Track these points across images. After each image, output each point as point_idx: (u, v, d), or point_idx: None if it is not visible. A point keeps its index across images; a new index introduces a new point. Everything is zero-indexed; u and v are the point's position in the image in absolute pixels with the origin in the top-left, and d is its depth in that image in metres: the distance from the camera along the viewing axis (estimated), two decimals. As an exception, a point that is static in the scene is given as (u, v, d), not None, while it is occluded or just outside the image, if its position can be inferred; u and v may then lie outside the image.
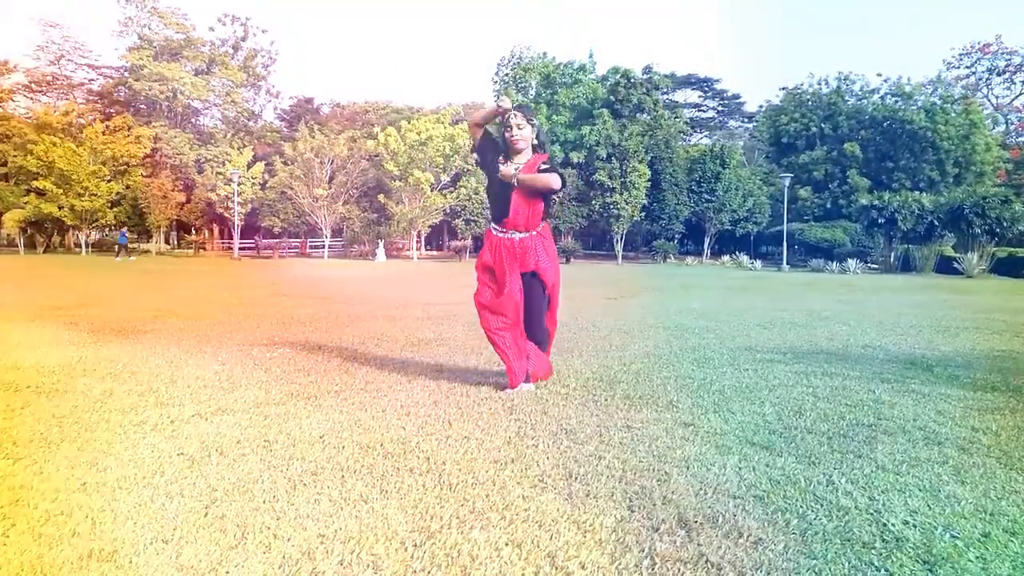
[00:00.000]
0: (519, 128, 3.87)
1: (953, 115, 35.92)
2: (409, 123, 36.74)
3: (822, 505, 2.19)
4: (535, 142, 3.96)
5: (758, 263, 33.32)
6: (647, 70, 41.34)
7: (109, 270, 20.87)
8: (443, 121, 36.76)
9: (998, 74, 48.40)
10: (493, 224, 4.04)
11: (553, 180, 3.83)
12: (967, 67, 48.76)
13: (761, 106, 53.41)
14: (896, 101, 38.54)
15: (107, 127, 40.14)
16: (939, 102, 37.00)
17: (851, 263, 27.84)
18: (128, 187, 40.05)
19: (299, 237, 45.25)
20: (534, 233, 3.94)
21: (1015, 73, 47.77)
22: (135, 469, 2.49)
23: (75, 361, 4.70)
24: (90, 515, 2.07)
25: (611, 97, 40.12)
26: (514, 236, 3.92)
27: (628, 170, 35.59)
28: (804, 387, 4.05)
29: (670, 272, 25.39)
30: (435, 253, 44.44)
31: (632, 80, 40.27)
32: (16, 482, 2.36)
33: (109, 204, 39.31)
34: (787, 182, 33.77)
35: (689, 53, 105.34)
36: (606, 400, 3.66)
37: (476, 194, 37.08)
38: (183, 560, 1.80)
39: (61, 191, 37.00)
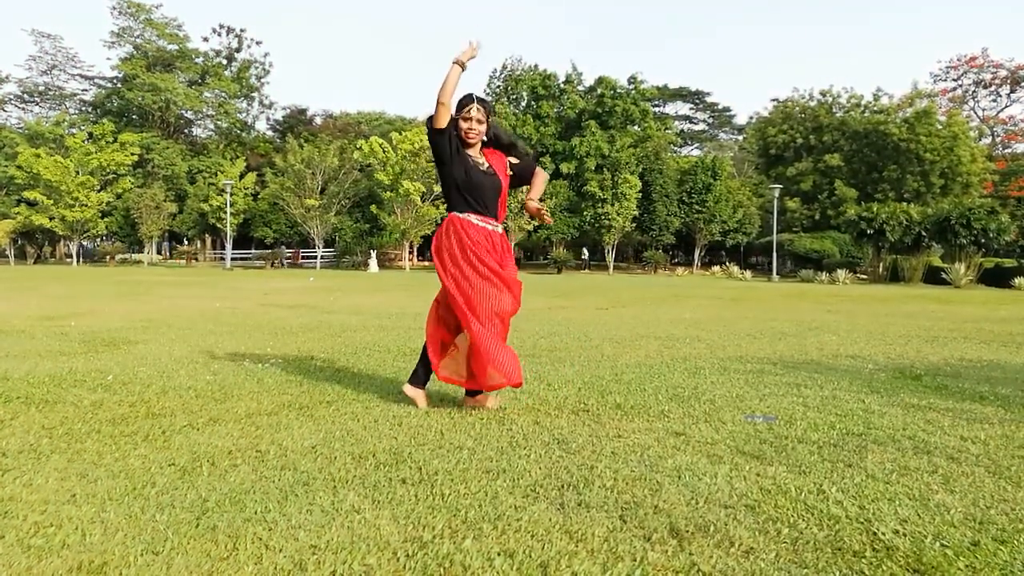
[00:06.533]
0: (479, 123, 3.56)
1: (937, 127, 36.35)
2: (401, 134, 36.78)
3: (813, 514, 2.20)
4: (484, 139, 3.67)
5: (748, 273, 33.51)
6: (631, 80, 41.65)
7: (100, 281, 20.75)
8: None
9: (984, 87, 49.06)
10: (477, 216, 3.59)
11: (544, 177, 3.89)
12: (954, 80, 49.42)
13: (751, 118, 53.85)
14: (877, 114, 39.03)
15: (90, 135, 40.00)
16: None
17: (840, 273, 28.02)
18: (119, 196, 39.90)
19: (291, 247, 45.20)
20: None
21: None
22: (125, 480, 2.48)
23: (65, 372, 4.67)
24: (80, 527, 2.06)
25: (597, 109, 40.38)
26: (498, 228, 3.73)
27: (619, 181, 35.79)
28: (794, 397, 4.06)
29: (661, 282, 25.45)
30: (427, 263, 44.40)
31: (617, 91, 40.56)
32: (5, 494, 2.34)
33: (100, 214, 39.14)
34: (776, 193, 34.02)
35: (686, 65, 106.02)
36: (598, 410, 3.66)
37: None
38: (173, 571, 1.79)
39: (51, 202, 36.83)
